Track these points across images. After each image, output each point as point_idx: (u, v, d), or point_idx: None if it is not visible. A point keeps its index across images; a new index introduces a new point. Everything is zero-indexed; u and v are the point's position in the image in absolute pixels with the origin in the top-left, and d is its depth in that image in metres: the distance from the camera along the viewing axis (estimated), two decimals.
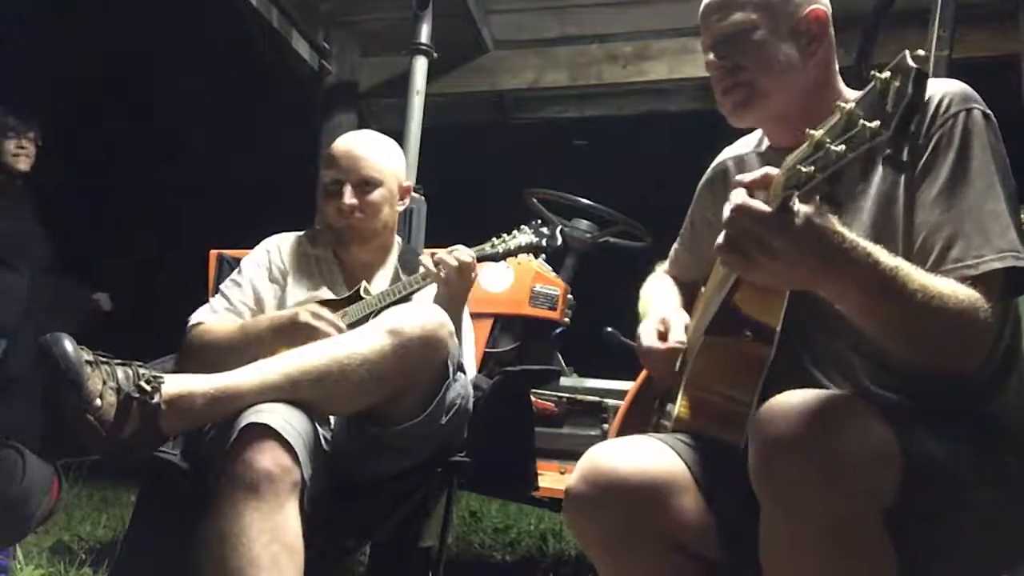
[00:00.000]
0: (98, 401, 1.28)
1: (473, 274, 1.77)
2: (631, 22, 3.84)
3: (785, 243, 0.92)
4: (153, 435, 1.34)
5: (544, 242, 1.88)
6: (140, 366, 1.37)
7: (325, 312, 1.69)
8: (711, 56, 1.28)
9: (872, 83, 0.83)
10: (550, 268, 2.78)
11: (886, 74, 0.81)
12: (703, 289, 1.50)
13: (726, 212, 0.95)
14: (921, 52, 0.79)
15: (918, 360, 1.05)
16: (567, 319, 2.78)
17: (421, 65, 3.08)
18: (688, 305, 1.51)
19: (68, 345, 1.28)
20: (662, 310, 1.42)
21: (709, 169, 1.49)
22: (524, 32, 3.98)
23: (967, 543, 1.04)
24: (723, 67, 1.27)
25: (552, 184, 3.07)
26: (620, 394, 2.22)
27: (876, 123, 0.80)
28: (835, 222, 0.94)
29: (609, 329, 2.74)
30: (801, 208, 0.91)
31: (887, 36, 2.91)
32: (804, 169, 0.87)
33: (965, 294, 1.01)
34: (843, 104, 0.86)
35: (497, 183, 4.26)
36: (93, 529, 3.30)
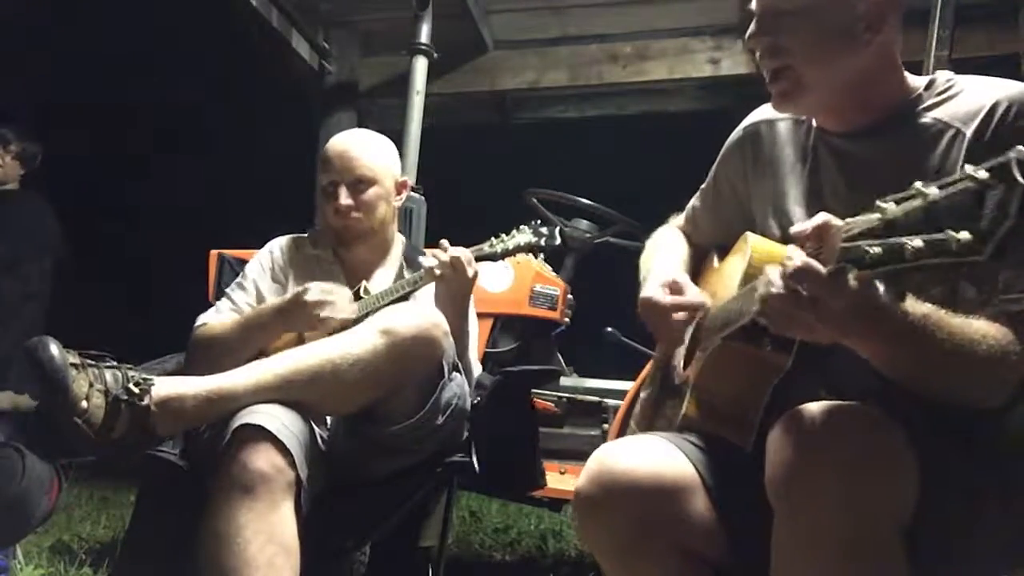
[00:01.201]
0: (84, 403, 1.28)
1: (472, 272, 1.76)
2: (631, 22, 3.85)
3: (841, 305, 0.86)
4: (143, 437, 1.34)
5: (543, 242, 1.88)
6: (130, 368, 1.37)
7: (331, 285, 1.69)
8: (755, 27, 1.17)
9: (962, 178, 0.73)
10: (550, 268, 2.77)
11: (984, 174, 0.71)
12: (716, 263, 1.40)
13: (775, 278, 0.89)
14: None
15: (943, 399, 1.02)
16: (567, 319, 2.78)
17: (421, 65, 3.08)
18: (695, 269, 1.43)
19: (53, 348, 1.29)
20: (669, 270, 1.32)
21: (739, 128, 1.39)
22: (524, 32, 3.98)
23: (975, 549, 1.04)
24: (766, 43, 1.16)
25: (552, 184, 3.07)
26: (620, 394, 2.22)
27: (966, 236, 0.70)
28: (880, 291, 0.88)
29: (609, 329, 2.74)
30: (854, 282, 0.85)
31: None
32: (871, 251, 0.78)
33: (996, 336, 0.97)
34: (924, 190, 0.75)
35: (497, 183, 4.26)
36: (93, 529, 3.30)
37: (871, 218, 0.80)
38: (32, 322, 3.55)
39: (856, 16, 1.11)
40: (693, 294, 1.25)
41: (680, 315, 1.24)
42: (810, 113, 1.25)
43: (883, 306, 0.88)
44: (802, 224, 0.90)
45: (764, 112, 1.35)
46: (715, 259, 1.41)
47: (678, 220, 1.55)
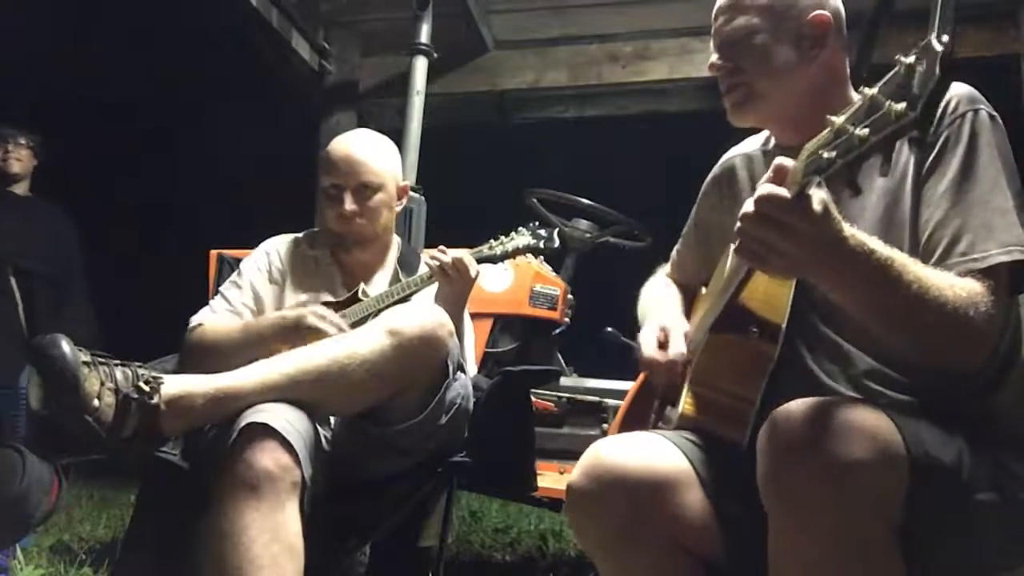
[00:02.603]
0: (96, 402, 1.28)
1: (473, 274, 1.76)
2: (631, 22, 3.85)
3: (807, 227, 0.92)
4: (153, 435, 1.34)
5: (543, 244, 1.88)
6: (139, 367, 1.37)
7: (330, 314, 1.69)
8: (714, 57, 1.30)
9: (895, 68, 0.82)
10: (550, 268, 2.78)
11: (911, 58, 0.80)
12: (704, 290, 1.49)
13: (748, 205, 0.95)
14: (946, 37, 0.79)
15: (918, 354, 1.05)
16: (567, 319, 2.78)
17: (421, 65, 3.08)
18: (688, 310, 1.51)
19: (65, 346, 1.28)
20: (662, 318, 1.42)
21: (716, 166, 1.48)
22: (524, 32, 3.98)
23: (968, 544, 1.04)
24: (724, 68, 1.29)
25: (552, 184, 3.07)
26: (620, 394, 2.22)
27: (903, 104, 0.79)
28: (841, 219, 0.95)
29: (609, 329, 2.74)
30: (818, 194, 0.92)
31: (887, 36, 2.91)
32: (826, 155, 0.86)
33: (964, 287, 1.01)
34: (866, 89, 0.85)
35: (497, 183, 4.26)
36: (93, 529, 3.31)
37: (822, 134, 0.89)
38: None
39: (801, 35, 1.24)
40: (675, 344, 1.35)
41: (663, 358, 1.34)
42: (766, 123, 1.35)
43: (847, 234, 0.94)
44: (767, 173, 0.97)
45: (737, 149, 1.46)
46: (703, 289, 1.50)
47: (665, 268, 1.63)
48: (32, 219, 3.61)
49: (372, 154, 1.85)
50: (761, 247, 0.96)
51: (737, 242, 0.98)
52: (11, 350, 3.32)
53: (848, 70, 1.29)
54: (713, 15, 1.32)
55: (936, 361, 1.05)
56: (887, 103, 0.80)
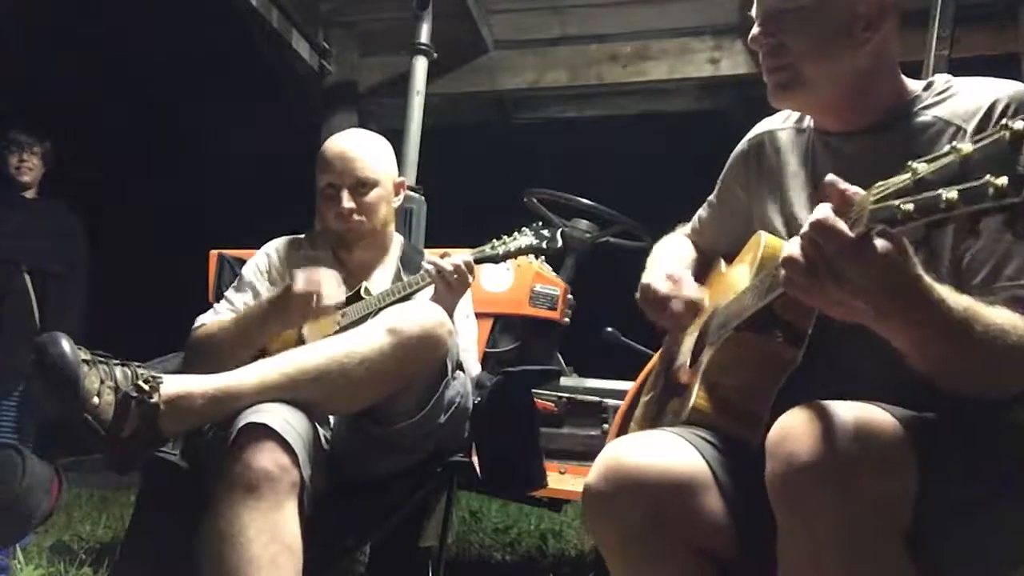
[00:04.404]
0: (95, 400, 1.28)
1: (471, 277, 1.77)
2: (631, 22, 3.85)
3: (860, 274, 0.85)
4: (152, 435, 1.34)
5: (544, 244, 1.88)
6: (139, 366, 1.37)
7: (315, 271, 1.67)
8: (757, 30, 1.21)
9: (999, 131, 0.73)
10: (550, 268, 2.78)
11: (1019, 125, 0.71)
12: (724, 267, 1.42)
13: (804, 227, 0.87)
14: None
15: (963, 392, 1.01)
16: (567, 319, 2.78)
17: (421, 65, 3.08)
18: (701, 274, 1.45)
19: (65, 344, 1.28)
20: (670, 266, 1.37)
21: (744, 140, 1.41)
22: (524, 32, 3.98)
23: (980, 550, 1.03)
24: (768, 44, 1.20)
25: (552, 184, 3.07)
26: (620, 394, 2.22)
27: (1003, 180, 0.70)
28: (917, 263, 0.87)
29: (609, 329, 2.74)
30: (882, 243, 0.83)
31: None
32: (903, 207, 0.77)
33: (1020, 325, 0.97)
34: (959, 146, 0.76)
35: (497, 183, 4.26)
36: (93, 529, 3.31)
37: (902, 178, 0.79)
38: None
39: (855, 15, 1.14)
40: (691, 288, 1.30)
41: (678, 306, 1.29)
42: (807, 109, 1.27)
43: (907, 275, 0.86)
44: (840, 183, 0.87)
45: (767, 124, 1.38)
46: (722, 265, 1.43)
47: (685, 229, 1.58)
48: (40, 219, 3.68)
49: (366, 151, 1.85)
50: (806, 275, 0.88)
51: (789, 260, 0.89)
52: (28, 349, 3.36)
53: (897, 57, 1.19)
54: None
55: (981, 393, 1.01)
56: (987, 176, 0.71)
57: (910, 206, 0.77)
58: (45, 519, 1.61)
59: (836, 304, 0.90)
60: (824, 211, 0.85)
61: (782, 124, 1.35)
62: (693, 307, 1.32)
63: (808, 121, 1.31)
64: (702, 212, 1.53)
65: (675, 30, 3.82)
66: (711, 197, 1.50)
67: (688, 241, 1.54)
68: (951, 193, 0.73)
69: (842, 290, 0.86)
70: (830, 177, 0.89)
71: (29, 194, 3.68)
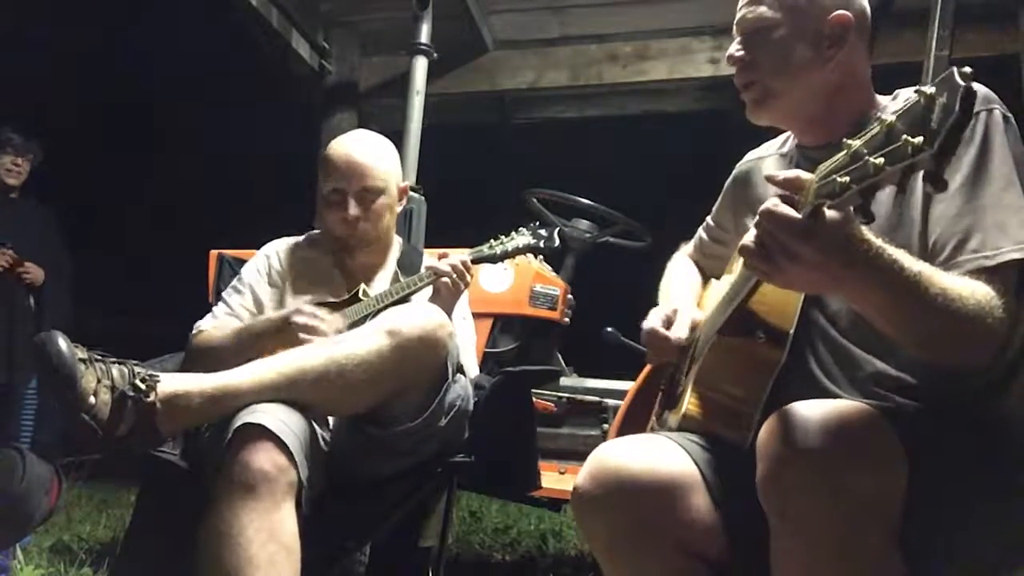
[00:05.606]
0: (92, 399, 1.28)
1: (468, 277, 1.77)
2: (631, 22, 3.85)
3: (810, 250, 0.91)
4: (149, 434, 1.34)
5: (542, 244, 1.88)
6: (136, 365, 1.37)
7: (319, 311, 1.68)
8: (734, 47, 1.29)
9: (916, 97, 0.80)
10: (550, 268, 2.78)
11: (931, 89, 0.78)
12: (714, 283, 1.50)
13: (756, 220, 0.95)
14: (968, 69, 0.77)
15: (928, 355, 1.06)
16: (567, 319, 2.78)
17: (421, 65, 3.08)
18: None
19: (62, 343, 1.28)
20: (675, 301, 1.42)
21: (735, 169, 1.49)
22: (524, 32, 3.98)
23: (969, 547, 1.04)
24: (741, 60, 1.28)
25: (552, 184, 3.07)
26: (620, 394, 2.22)
27: (919, 139, 0.77)
28: (863, 230, 0.93)
29: (609, 329, 2.74)
30: (830, 215, 0.90)
31: (887, 36, 2.91)
32: (840, 180, 0.85)
33: (982, 293, 1.01)
34: (883, 116, 0.83)
35: (497, 183, 4.27)
36: (93, 529, 3.30)
37: (840, 156, 0.87)
38: None
39: (820, 33, 1.22)
40: (682, 325, 1.33)
41: (664, 333, 1.33)
42: (782, 123, 1.34)
43: (854, 243, 0.92)
44: (781, 172, 0.96)
45: (755, 153, 1.46)
46: (713, 281, 1.51)
47: (687, 248, 1.63)
48: (28, 219, 3.74)
49: (374, 157, 1.83)
50: (764, 260, 0.95)
51: (745, 248, 0.97)
52: (28, 349, 3.41)
53: (870, 71, 1.27)
54: (739, 3, 1.31)
55: (949, 362, 1.05)
56: (904, 136, 0.78)
57: (846, 178, 0.84)
58: (45, 519, 1.61)
59: (795, 279, 0.96)
60: (772, 201, 0.93)
61: (767, 152, 1.43)
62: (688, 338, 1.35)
63: (790, 144, 1.37)
64: (702, 233, 1.59)
65: (675, 30, 3.82)
66: (709, 219, 1.57)
67: (691, 264, 1.59)
68: (878, 159, 0.81)
69: (800, 267, 0.92)
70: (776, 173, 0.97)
71: (14, 193, 3.73)
